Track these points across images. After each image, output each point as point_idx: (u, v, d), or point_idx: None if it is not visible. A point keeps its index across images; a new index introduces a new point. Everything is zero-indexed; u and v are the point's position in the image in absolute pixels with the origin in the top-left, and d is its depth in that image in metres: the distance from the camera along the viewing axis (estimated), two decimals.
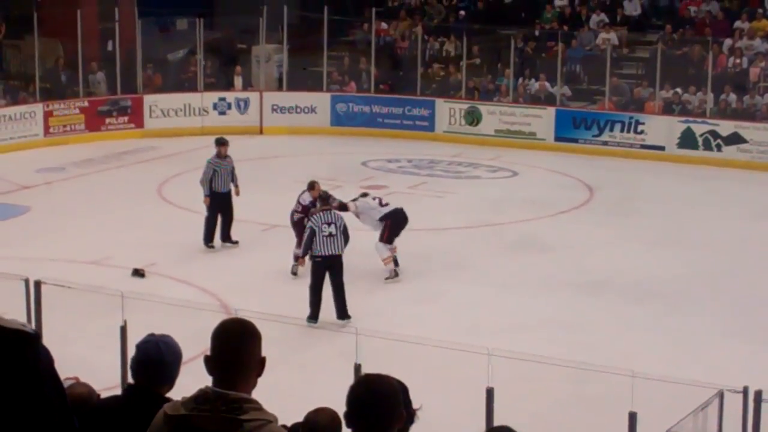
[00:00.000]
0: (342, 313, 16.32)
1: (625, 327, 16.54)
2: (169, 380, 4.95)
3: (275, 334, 13.47)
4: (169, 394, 4.79)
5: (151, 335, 5.13)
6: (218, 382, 4.09)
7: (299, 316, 16.38)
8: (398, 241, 18.52)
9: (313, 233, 16.32)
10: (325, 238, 16.22)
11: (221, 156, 20.10)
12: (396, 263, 18.37)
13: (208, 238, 20.05)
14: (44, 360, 3.46)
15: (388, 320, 15.79)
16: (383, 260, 18.31)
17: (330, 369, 13.57)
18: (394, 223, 18.36)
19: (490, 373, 11.16)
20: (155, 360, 4.91)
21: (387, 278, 18.24)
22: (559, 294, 17.90)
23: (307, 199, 18.44)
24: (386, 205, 18.49)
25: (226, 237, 20.16)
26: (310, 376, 14.11)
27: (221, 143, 20.24)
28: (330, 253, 16.24)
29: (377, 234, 18.39)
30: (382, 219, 18.37)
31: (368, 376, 3.98)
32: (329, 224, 16.27)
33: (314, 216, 16.69)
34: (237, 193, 20.11)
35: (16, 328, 3.40)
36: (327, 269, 16.31)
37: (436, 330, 14.78)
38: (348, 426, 3.93)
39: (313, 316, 16.20)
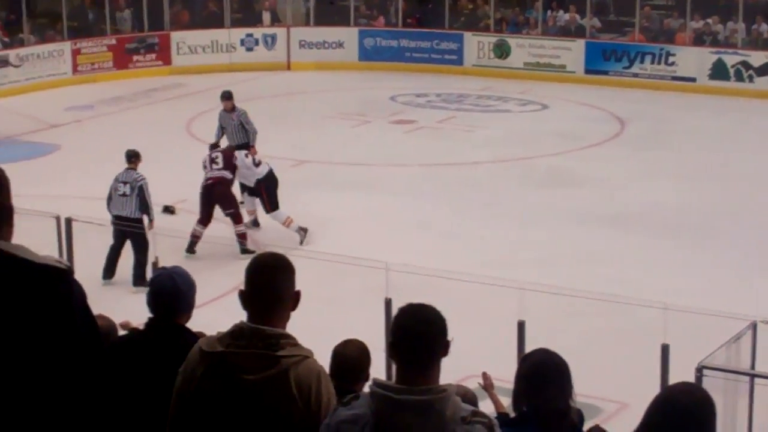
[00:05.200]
0: (137, 279, 15.08)
1: (657, 260, 16.45)
2: (188, 309, 5.00)
3: (302, 269, 13.48)
4: (203, 330, 4.79)
5: (162, 268, 5.21)
6: (253, 316, 4.07)
7: (328, 251, 16.39)
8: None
9: (110, 192, 15.60)
10: (119, 197, 15.45)
11: (227, 110, 19.34)
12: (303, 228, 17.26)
13: None
14: (77, 295, 3.45)
15: (418, 255, 15.73)
16: (284, 224, 17.19)
17: (359, 304, 13.57)
18: (269, 187, 17.32)
19: (521, 306, 11.14)
20: (171, 291, 4.94)
21: (301, 242, 16.98)
22: (590, 228, 17.81)
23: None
24: (259, 164, 17.43)
25: None
26: (340, 311, 14.11)
27: (222, 98, 19.34)
28: (118, 213, 15.41)
29: (256, 203, 17.67)
30: (257, 182, 17.38)
31: (413, 305, 3.89)
32: (124, 183, 15.43)
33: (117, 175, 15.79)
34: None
35: (49, 264, 3.38)
36: (122, 231, 15.43)
37: (467, 264, 14.73)
38: (392, 356, 3.84)
39: (104, 275, 15.41)
